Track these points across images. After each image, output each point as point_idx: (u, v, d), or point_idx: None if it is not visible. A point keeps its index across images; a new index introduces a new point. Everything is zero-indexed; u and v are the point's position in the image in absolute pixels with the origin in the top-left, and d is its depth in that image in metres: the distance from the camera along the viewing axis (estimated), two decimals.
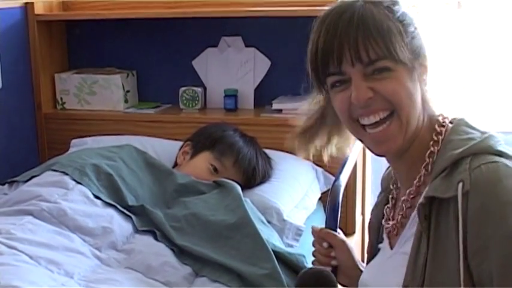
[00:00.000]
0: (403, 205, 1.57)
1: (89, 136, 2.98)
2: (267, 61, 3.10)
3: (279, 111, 2.96)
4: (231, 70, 3.13)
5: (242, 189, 2.43)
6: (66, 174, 2.36)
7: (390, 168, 1.72)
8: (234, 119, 2.96)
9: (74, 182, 2.33)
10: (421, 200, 1.42)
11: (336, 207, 1.91)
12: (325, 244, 1.82)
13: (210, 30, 3.13)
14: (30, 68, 3.13)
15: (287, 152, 2.85)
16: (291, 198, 2.59)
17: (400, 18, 1.48)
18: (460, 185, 1.35)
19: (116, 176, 2.38)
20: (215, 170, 2.57)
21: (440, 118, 1.55)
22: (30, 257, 1.97)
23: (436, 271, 1.40)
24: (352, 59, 1.45)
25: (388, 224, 1.63)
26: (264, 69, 3.10)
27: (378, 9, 1.47)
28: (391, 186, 1.68)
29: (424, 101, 1.52)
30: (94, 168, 2.39)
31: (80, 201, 2.26)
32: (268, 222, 2.40)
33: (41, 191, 2.27)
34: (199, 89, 3.12)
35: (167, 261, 2.10)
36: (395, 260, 1.55)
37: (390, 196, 1.67)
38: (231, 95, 3.08)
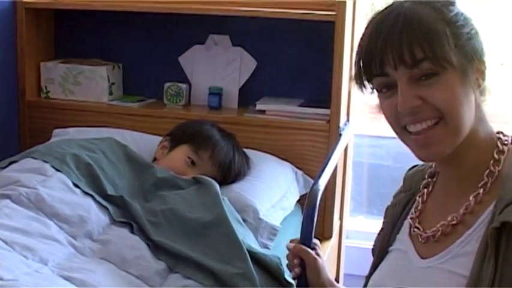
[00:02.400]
0: (451, 219, 1.49)
1: (72, 126, 2.99)
2: (253, 61, 3.11)
3: (263, 112, 2.98)
4: (217, 68, 3.14)
5: (220, 186, 2.46)
6: (46, 162, 2.36)
7: (417, 168, 1.68)
8: (217, 117, 2.97)
9: (53, 170, 2.34)
10: (495, 223, 1.35)
11: (313, 211, 1.91)
12: (296, 261, 1.81)
13: (198, 28, 3.15)
14: (16, 55, 3.13)
15: (268, 152, 2.88)
16: (269, 197, 2.61)
17: (453, 20, 1.41)
18: None
19: (96, 166, 2.39)
20: (192, 162, 2.58)
21: (501, 136, 1.50)
22: (5, 242, 1.99)
23: None
24: (395, 61, 1.40)
25: (418, 228, 1.56)
26: (250, 69, 3.12)
27: (427, 10, 1.41)
28: (421, 188, 1.62)
29: (479, 110, 1.46)
30: (74, 158, 2.40)
31: (58, 188, 2.27)
32: (244, 220, 2.42)
33: (20, 177, 2.29)
34: (184, 85, 3.13)
35: (142, 255, 2.12)
36: (435, 276, 1.47)
37: (420, 198, 1.61)
38: (216, 93, 3.09)
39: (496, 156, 1.46)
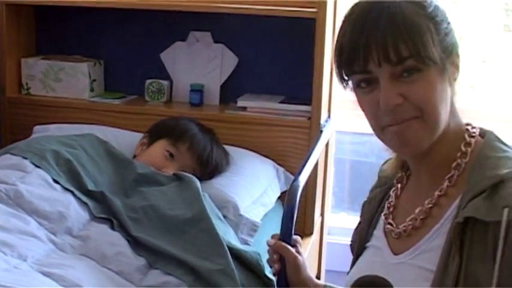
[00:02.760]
0: (418, 212, 1.49)
1: (53, 123, 2.98)
2: (234, 58, 3.11)
3: (244, 108, 2.99)
4: (199, 65, 3.14)
5: (200, 181, 2.47)
6: (25, 158, 2.36)
7: (391, 161, 1.65)
8: (198, 114, 2.98)
9: (32, 166, 2.34)
10: (458, 219, 1.35)
11: (292, 207, 1.91)
12: (275, 257, 1.80)
13: (179, 24, 3.15)
14: None
15: (250, 149, 2.89)
16: (249, 194, 2.61)
17: (432, 14, 1.40)
18: (506, 210, 1.29)
19: (76, 162, 2.40)
20: (171, 155, 2.59)
21: (469, 128, 1.49)
22: None
23: None
24: (379, 59, 1.37)
25: (391, 224, 1.55)
26: (231, 66, 3.12)
27: (407, 5, 1.39)
28: (395, 182, 1.61)
29: (452, 103, 1.45)
30: (54, 154, 2.40)
31: (38, 184, 2.27)
32: (225, 216, 2.43)
33: None
34: (165, 82, 3.14)
35: (122, 251, 2.12)
36: (405, 271, 1.47)
37: (394, 192, 1.60)
38: (197, 90, 3.10)
39: (463, 148, 1.46)
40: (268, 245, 1.84)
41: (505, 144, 1.46)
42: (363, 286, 1.45)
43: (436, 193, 1.46)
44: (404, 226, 1.51)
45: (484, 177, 1.37)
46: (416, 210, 1.49)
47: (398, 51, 1.36)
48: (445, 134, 1.44)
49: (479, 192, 1.36)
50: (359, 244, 1.67)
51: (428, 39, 1.37)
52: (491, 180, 1.35)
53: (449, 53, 1.42)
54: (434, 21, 1.40)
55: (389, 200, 1.60)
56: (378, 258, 1.57)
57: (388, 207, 1.59)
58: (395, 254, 1.52)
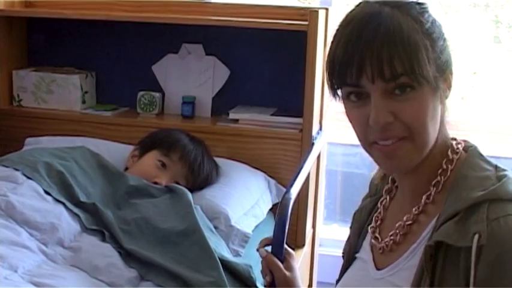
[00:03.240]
0: (398, 227, 1.48)
1: (45, 135, 2.98)
2: (226, 70, 3.12)
3: (236, 121, 2.99)
4: (190, 77, 3.15)
5: (191, 192, 2.47)
6: (17, 170, 2.37)
7: (379, 171, 1.63)
8: (190, 126, 2.98)
9: (24, 177, 2.34)
10: (429, 242, 1.33)
11: (284, 220, 1.91)
12: (268, 278, 1.77)
13: (171, 37, 3.16)
14: None
15: (241, 161, 2.90)
16: (241, 205, 2.62)
17: (429, 31, 1.36)
18: (476, 237, 1.26)
19: (68, 174, 2.40)
20: (163, 165, 2.60)
21: (454, 143, 1.46)
22: None
23: None
24: (373, 75, 1.33)
25: (377, 238, 1.54)
26: (223, 78, 3.13)
27: (405, 19, 1.34)
28: (383, 193, 1.60)
29: (441, 121, 1.42)
30: (45, 166, 2.41)
31: (29, 195, 2.27)
32: (216, 227, 2.44)
33: None
34: (157, 94, 3.14)
35: (113, 263, 2.12)
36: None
37: (382, 204, 1.59)
38: (189, 102, 3.10)
39: (444, 166, 1.44)
40: (261, 256, 1.83)
41: (487, 162, 1.43)
42: None
43: (414, 210, 1.45)
44: (386, 241, 1.50)
45: (458, 199, 1.35)
46: (396, 225, 1.49)
47: (393, 68, 1.32)
48: (430, 151, 1.41)
49: (452, 215, 1.33)
50: (348, 253, 1.67)
51: (424, 57, 1.34)
52: (464, 204, 1.33)
53: (443, 71, 1.39)
54: (431, 38, 1.36)
55: (378, 211, 1.59)
56: (362, 272, 1.56)
57: (376, 220, 1.58)
58: (378, 269, 1.51)
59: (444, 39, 1.40)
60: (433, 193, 1.43)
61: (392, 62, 1.32)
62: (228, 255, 2.27)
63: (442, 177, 1.43)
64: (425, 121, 1.36)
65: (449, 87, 1.42)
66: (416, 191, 1.46)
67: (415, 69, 1.32)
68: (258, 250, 1.83)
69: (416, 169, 1.43)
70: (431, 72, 1.35)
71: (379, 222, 1.57)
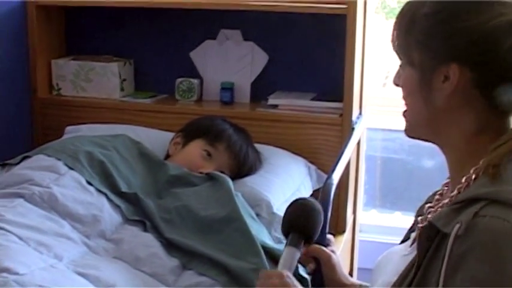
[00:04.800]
0: (441, 205, 1.47)
1: (84, 123, 2.98)
2: (264, 55, 3.09)
3: (275, 106, 2.96)
4: (229, 63, 3.13)
5: (233, 180, 2.46)
6: (59, 159, 2.35)
7: None
8: (229, 112, 2.96)
9: (66, 168, 2.33)
10: (425, 223, 1.35)
11: (326, 206, 1.90)
12: (311, 265, 1.78)
13: (209, 23, 3.13)
14: (28, 52, 3.12)
15: (281, 147, 2.86)
16: (282, 192, 2.59)
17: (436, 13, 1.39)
18: (457, 226, 1.26)
19: (109, 163, 2.39)
20: (208, 154, 2.58)
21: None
22: (20, 238, 1.99)
23: None
24: None
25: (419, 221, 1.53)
26: (262, 64, 3.10)
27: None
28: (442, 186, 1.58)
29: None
30: (87, 155, 2.40)
31: (72, 187, 2.27)
32: (258, 215, 2.42)
33: (33, 175, 2.28)
34: (196, 81, 3.12)
35: (155, 253, 2.11)
36: (400, 262, 1.47)
37: (438, 193, 1.57)
38: (228, 88, 3.08)
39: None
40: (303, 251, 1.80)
41: None
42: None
43: (455, 190, 1.41)
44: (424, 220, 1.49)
45: (471, 189, 1.34)
46: (440, 204, 1.48)
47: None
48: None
49: (455, 202, 1.33)
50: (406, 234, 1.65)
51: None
52: (468, 195, 1.31)
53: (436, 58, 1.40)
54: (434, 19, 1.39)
55: (436, 198, 1.56)
56: (400, 248, 1.57)
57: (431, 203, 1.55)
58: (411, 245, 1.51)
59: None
60: (473, 177, 1.38)
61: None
62: (270, 242, 2.24)
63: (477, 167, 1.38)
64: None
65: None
66: (461, 164, 1.43)
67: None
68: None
69: (447, 146, 1.45)
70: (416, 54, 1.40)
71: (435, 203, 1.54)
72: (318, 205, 1.73)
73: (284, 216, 1.71)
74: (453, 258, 1.25)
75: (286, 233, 1.68)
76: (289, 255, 1.64)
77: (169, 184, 2.43)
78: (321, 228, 1.73)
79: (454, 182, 1.44)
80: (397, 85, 1.48)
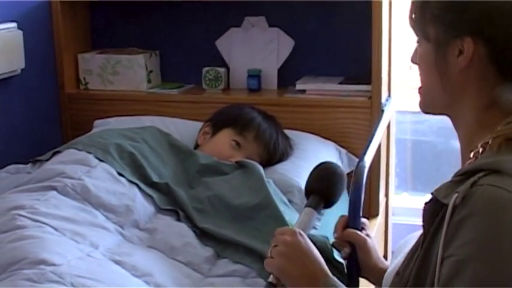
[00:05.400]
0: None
1: (112, 116, 2.98)
2: (290, 41, 3.08)
3: (303, 91, 2.95)
4: (255, 50, 3.12)
5: (263, 167, 2.44)
6: (90, 153, 2.36)
7: None
8: (257, 99, 2.95)
9: (97, 160, 2.33)
10: (430, 198, 1.34)
11: (359, 189, 1.86)
12: (346, 249, 1.77)
13: (233, 10, 3.12)
14: (53, 48, 3.12)
15: (310, 132, 2.84)
16: None
17: None
18: (455, 196, 1.26)
19: (139, 154, 2.38)
20: (237, 144, 2.57)
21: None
22: (55, 229, 1.99)
23: (419, 276, 1.34)
24: None
25: None
26: (288, 49, 3.08)
27: None
28: None
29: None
30: (117, 148, 2.39)
31: (104, 178, 2.26)
32: (290, 201, 2.39)
33: (65, 168, 2.28)
34: (222, 69, 3.11)
35: (189, 242, 2.11)
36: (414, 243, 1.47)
37: None
38: (255, 75, 3.07)
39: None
40: (336, 235, 1.81)
41: None
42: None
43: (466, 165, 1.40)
44: None
45: (476, 162, 1.34)
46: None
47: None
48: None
49: (458, 174, 1.33)
50: None
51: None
52: (469, 167, 1.32)
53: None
54: None
55: None
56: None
57: None
58: None
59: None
60: (480, 150, 1.37)
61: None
62: None
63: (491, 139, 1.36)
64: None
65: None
66: (468, 147, 1.43)
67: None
68: (336, 238, 1.81)
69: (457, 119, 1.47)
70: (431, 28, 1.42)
71: None
72: (341, 169, 1.81)
73: (307, 179, 1.79)
74: (450, 227, 1.26)
75: (307, 195, 1.75)
76: (307, 215, 1.70)
77: (199, 173, 2.42)
78: (340, 193, 1.78)
79: (463, 158, 1.45)
80: (414, 63, 1.50)
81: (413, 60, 1.51)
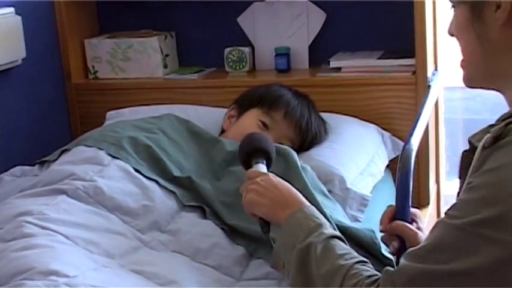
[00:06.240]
0: None
1: (126, 107, 2.97)
2: (321, 14, 3.07)
3: (338, 69, 2.94)
4: (282, 26, 3.12)
5: (297, 153, 2.41)
6: (101, 149, 2.34)
7: None
8: (286, 80, 2.93)
9: (109, 158, 2.32)
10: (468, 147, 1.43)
11: (407, 175, 1.84)
12: (395, 243, 1.78)
13: None
14: (57, 33, 3.13)
15: (349, 114, 2.82)
16: (355, 164, 2.56)
17: None
18: (486, 136, 1.36)
19: (156, 147, 2.36)
20: (264, 125, 2.56)
21: None
22: (67, 237, 1.98)
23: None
24: None
25: None
26: (319, 23, 3.08)
27: None
28: None
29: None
30: (131, 141, 2.38)
31: (118, 177, 2.25)
32: (330, 191, 2.37)
33: (74, 169, 2.26)
34: (246, 49, 3.12)
35: (217, 243, 2.09)
36: None
37: None
38: (283, 54, 3.08)
39: None
40: (382, 229, 1.82)
41: None
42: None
43: None
44: None
45: None
46: None
47: None
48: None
49: (498, 120, 1.41)
50: None
51: None
52: (507, 114, 1.40)
53: None
54: None
55: None
56: None
57: None
58: None
59: None
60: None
61: None
62: (345, 221, 2.20)
63: None
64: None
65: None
66: None
67: None
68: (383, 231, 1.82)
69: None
70: None
71: None
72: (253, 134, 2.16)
73: (239, 154, 2.10)
74: (475, 165, 1.37)
75: (247, 163, 2.06)
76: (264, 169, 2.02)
77: (226, 163, 2.40)
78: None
79: None
80: (451, 35, 1.54)
81: (450, 32, 1.54)
